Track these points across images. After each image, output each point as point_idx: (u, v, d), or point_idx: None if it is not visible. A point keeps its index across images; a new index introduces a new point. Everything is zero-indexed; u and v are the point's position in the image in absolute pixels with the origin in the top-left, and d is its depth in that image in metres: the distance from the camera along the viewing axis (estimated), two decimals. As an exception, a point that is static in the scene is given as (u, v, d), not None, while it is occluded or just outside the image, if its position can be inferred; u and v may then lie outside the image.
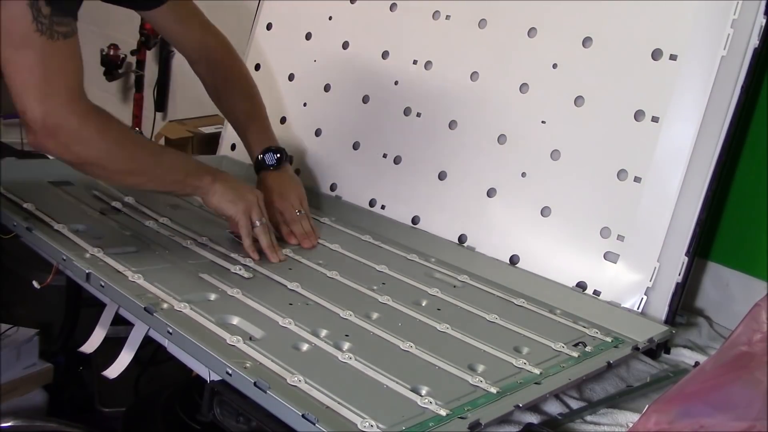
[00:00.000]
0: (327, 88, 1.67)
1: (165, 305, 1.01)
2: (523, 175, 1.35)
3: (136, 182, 1.16)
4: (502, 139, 1.38)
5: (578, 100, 1.31)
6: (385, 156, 1.54)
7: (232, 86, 1.44)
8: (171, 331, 0.93)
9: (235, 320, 1.02)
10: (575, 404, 1.01)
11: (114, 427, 1.52)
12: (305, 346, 0.97)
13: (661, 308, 1.20)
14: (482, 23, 1.45)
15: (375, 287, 1.20)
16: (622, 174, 1.24)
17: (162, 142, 2.12)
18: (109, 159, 1.07)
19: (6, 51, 0.97)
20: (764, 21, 1.16)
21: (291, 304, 1.09)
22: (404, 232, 1.46)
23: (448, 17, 1.50)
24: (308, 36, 1.73)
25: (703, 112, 1.18)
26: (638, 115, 1.24)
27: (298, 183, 1.42)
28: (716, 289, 1.35)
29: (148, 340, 1.03)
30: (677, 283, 1.19)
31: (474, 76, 1.44)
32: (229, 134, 1.84)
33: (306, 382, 0.86)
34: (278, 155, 1.41)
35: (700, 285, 1.37)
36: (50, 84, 0.98)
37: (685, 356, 1.20)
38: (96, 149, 1.05)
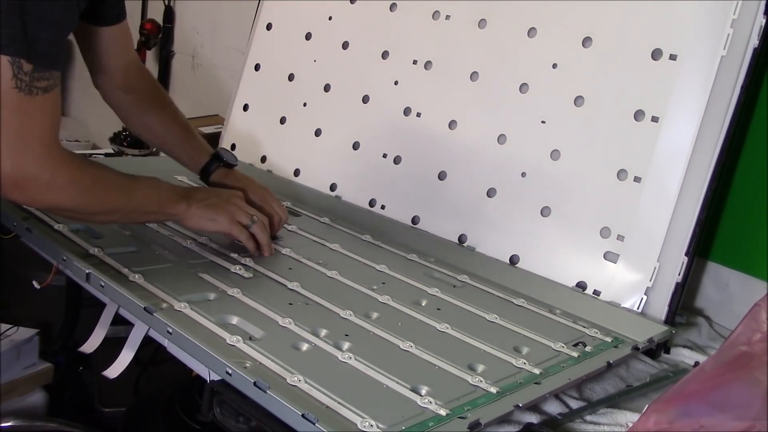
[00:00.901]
0: (327, 88, 1.67)
1: (165, 305, 1.01)
2: (523, 175, 1.35)
3: (110, 221, 1.16)
4: (502, 139, 1.38)
5: (578, 100, 1.31)
6: (385, 156, 1.54)
7: (165, 107, 1.40)
8: (171, 330, 0.93)
9: (235, 320, 1.02)
10: (575, 404, 1.01)
11: (114, 427, 1.52)
12: (305, 346, 0.97)
13: (660, 308, 1.20)
14: (482, 23, 1.45)
15: (375, 287, 1.20)
16: (621, 174, 1.24)
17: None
18: (79, 206, 1.05)
19: None
20: (764, 21, 1.16)
21: (291, 304, 1.09)
22: (404, 231, 1.46)
23: (448, 17, 1.50)
24: (308, 36, 1.73)
25: (702, 112, 1.18)
26: (638, 115, 1.24)
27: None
28: (716, 289, 1.35)
29: (148, 340, 1.02)
30: (677, 283, 1.19)
31: (474, 76, 1.44)
32: (229, 134, 1.84)
33: (306, 382, 0.86)
34: (229, 155, 1.37)
35: (699, 285, 1.37)
36: (23, 140, 0.96)
37: (685, 356, 1.20)
38: (66, 199, 1.03)
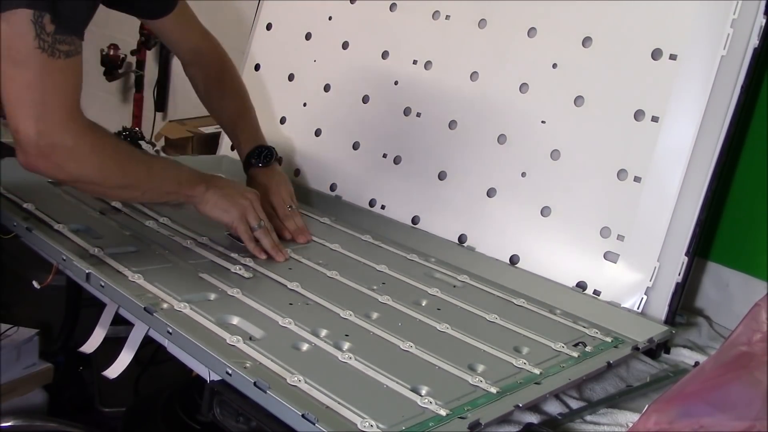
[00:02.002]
0: (327, 88, 1.67)
1: (165, 305, 1.01)
2: (523, 174, 1.35)
3: (130, 196, 1.17)
4: (502, 139, 1.38)
5: (578, 100, 1.31)
6: (385, 156, 1.54)
7: (225, 88, 1.46)
8: (171, 331, 0.93)
9: (235, 320, 1.02)
10: (575, 404, 1.01)
11: (114, 427, 1.52)
12: (305, 346, 0.97)
13: (661, 308, 1.20)
14: (482, 23, 1.45)
15: (375, 287, 1.20)
16: (622, 174, 1.24)
17: (162, 142, 2.12)
18: (102, 176, 1.06)
19: (5, 66, 0.95)
20: (764, 21, 1.16)
21: (291, 304, 1.09)
22: (404, 232, 1.46)
23: (448, 17, 1.50)
24: (308, 36, 1.73)
25: (702, 111, 1.18)
26: (638, 114, 1.24)
27: (287, 180, 1.44)
28: (716, 289, 1.35)
29: (148, 340, 1.03)
30: (677, 283, 1.19)
31: (474, 76, 1.44)
32: (229, 134, 1.84)
33: (306, 382, 0.86)
34: (268, 153, 1.43)
35: (700, 285, 1.37)
36: (46, 103, 0.97)
37: (685, 356, 1.20)
38: (90, 168, 1.03)
